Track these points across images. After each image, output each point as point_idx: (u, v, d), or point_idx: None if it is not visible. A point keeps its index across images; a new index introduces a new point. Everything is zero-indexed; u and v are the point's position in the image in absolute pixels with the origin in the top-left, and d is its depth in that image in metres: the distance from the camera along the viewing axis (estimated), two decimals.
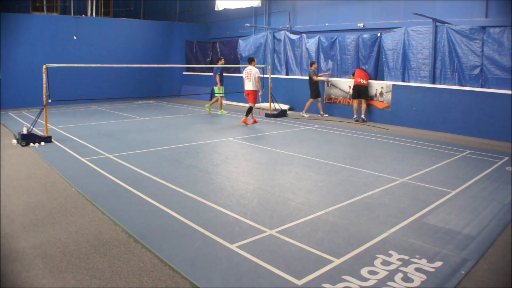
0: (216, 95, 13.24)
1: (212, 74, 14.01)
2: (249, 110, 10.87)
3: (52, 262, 3.29)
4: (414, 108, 10.78)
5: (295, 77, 14.25)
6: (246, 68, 11.01)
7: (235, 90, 15.17)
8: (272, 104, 12.62)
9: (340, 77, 12.78)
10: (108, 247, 3.58)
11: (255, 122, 11.07)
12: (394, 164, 6.67)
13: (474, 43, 9.75)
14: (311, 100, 12.44)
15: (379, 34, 11.75)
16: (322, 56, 13.38)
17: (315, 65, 12.46)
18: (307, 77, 13.78)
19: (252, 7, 16.30)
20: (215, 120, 11.82)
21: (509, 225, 4.21)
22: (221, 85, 12.97)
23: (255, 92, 10.86)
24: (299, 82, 14.00)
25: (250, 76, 10.77)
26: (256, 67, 11.98)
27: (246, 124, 10.73)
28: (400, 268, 3.24)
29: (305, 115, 12.52)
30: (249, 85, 10.85)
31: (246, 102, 15.42)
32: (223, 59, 13.39)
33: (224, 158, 6.99)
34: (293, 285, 2.98)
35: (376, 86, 11.64)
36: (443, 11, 11.01)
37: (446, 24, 10.33)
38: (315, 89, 12.38)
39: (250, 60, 11.12)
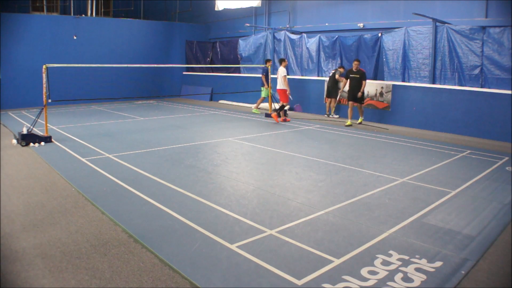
0: (263, 95, 13.26)
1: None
2: (281, 108, 11.52)
3: (52, 262, 3.29)
4: (414, 108, 10.79)
5: (295, 77, 14.24)
6: (278, 68, 11.71)
7: (235, 90, 15.20)
8: (272, 104, 12.62)
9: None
10: (108, 247, 3.58)
11: (285, 120, 11.43)
12: (394, 164, 6.67)
13: (474, 43, 9.76)
14: (334, 100, 12.54)
15: (379, 34, 11.76)
16: (323, 56, 13.38)
17: (343, 70, 12.42)
18: (308, 77, 13.83)
19: (252, 7, 16.31)
20: (215, 120, 11.82)
21: (509, 225, 4.21)
22: (267, 86, 12.93)
23: (283, 91, 11.40)
24: (299, 82, 14.01)
25: (278, 76, 11.51)
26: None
27: (276, 121, 11.28)
28: (400, 268, 3.24)
29: (335, 115, 12.59)
30: (278, 84, 11.56)
31: (245, 103, 15.48)
32: (271, 61, 13.22)
33: (224, 158, 6.99)
34: (293, 285, 2.98)
35: (376, 86, 11.64)
36: (443, 11, 11.01)
37: (446, 24, 10.33)
38: (337, 89, 12.52)
39: (280, 61, 11.73)
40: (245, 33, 16.96)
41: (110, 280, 3.05)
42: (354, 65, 10.76)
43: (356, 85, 10.75)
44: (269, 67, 11.52)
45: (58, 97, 9.82)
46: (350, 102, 10.93)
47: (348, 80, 10.91)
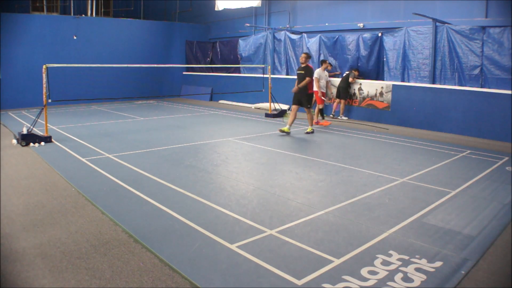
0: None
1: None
2: (321, 112, 10.96)
3: (52, 262, 3.29)
4: (414, 108, 10.79)
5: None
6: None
7: (235, 90, 15.20)
8: (272, 104, 12.61)
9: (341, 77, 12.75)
10: (108, 247, 3.58)
11: (317, 123, 10.73)
12: (394, 164, 6.67)
13: (474, 43, 9.76)
14: (344, 101, 12.12)
15: (379, 34, 11.76)
16: (323, 56, 13.38)
17: (357, 72, 11.96)
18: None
19: (252, 7, 16.32)
20: (215, 120, 11.82)
21: (509, 225, 4.21)
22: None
23: (316, 93, 10.67)
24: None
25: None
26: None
27: (323, 125, 10.68)
28: (400, 268, 3.24)
29: (344, 117, 12.11)
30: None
31: (245, 103, 15.48)
32: (327, 62, 12.73)
33: (224, 158, 6.99)
34: (293, 285, 2.98)
35: (376, 86, 11.64)
36: (443, 11, 11.01)
37: (446, 24, 10.34)
38: (348, 91, 12.15)
39: (321, 62, 11.12)
40: (245, 33, 16.97)
41: (110, 280, 3.05)
42: (301, 58, 9.29)
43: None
44: (322, 68, 10.91)
45: (58, 97, 9.82)
46: (294, 106, 9.33)
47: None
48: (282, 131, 9.24)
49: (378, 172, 6.15)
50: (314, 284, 2.99)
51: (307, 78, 9.04)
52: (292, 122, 9.26)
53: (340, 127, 10.54)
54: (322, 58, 13.41)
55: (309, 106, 9.26)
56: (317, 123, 10.76)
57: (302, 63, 9.30)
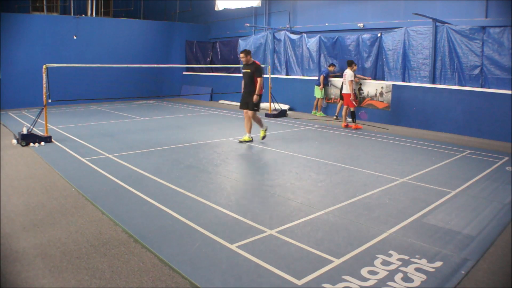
0: (315, 95, 12.86)
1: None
2: (353, 114, 10.41)
3: (52, 262, 3.29)
4: (414, 108, 10.78)
5: (295, 77, 14.26)
6: (345, 71, 10.49)
7: (235, 90, 15.20)
8: (272, 104, 12.61)
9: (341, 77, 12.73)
10: (108, 247, 3.58)
11: (346, 126, 10.47)
12: (394, 164, 6.67)
13: (474, 43, 9.76)
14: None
15: (379, 34, 11.75)
16: (323, 56, 13.39)
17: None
18: (307, 77, 13.81)
19: (252, 7, 16.31)
20: (215, 120, 11.82)
21: (509, 225, 4.21)
22: (323, 87, 12.58)
23: (348, 95, 10.27)
24: (299, 82, 14.00)
25: (344, 79, 10.40)
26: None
27: (350, 127, 10.34)
28: (400, 268, 3.24)
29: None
30: (344, 89, 10.45)
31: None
32: (335, 66, 12.70)
33: (224, 158, 6.99)
34: (293, 285, 2.98)
35: (376, 86, 11.64)
36: (443, 11, 11.01)
37: (446, 24, 10.33)
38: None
39: (349, 63, 10.46)
40: (245, 33, 16.96)
41: (110, 280, 3.05)
42: (243, 58, 8.03)
43: (249, 84, 8.07)
44: (351, 69, 10.30)
45: (58, 97, 9.82)
46: (244, 111, 8.23)
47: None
48: (244, 141, 8.25)
49: (378, 172, 6.15)
50: (314, 284, 2.99)
51: (259, 80, 7.91)
52: (250, 128, 8.25)
53: (340, 127, 10.53)
54: (322, 58, 13.42)
55: (256, 109, 8.07)
56: (346, 126, 10.48)
57: (246, 62, 8.02)
